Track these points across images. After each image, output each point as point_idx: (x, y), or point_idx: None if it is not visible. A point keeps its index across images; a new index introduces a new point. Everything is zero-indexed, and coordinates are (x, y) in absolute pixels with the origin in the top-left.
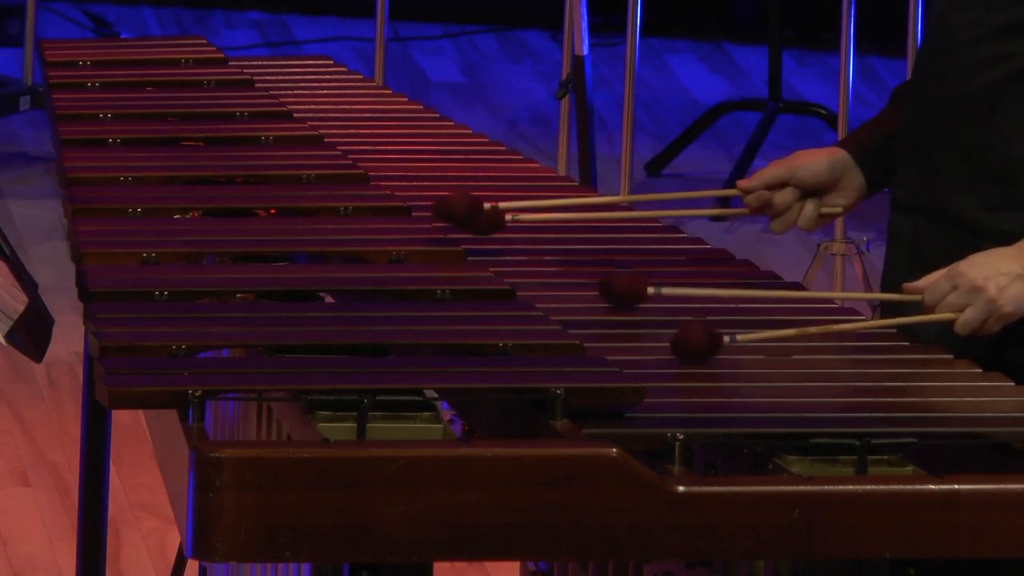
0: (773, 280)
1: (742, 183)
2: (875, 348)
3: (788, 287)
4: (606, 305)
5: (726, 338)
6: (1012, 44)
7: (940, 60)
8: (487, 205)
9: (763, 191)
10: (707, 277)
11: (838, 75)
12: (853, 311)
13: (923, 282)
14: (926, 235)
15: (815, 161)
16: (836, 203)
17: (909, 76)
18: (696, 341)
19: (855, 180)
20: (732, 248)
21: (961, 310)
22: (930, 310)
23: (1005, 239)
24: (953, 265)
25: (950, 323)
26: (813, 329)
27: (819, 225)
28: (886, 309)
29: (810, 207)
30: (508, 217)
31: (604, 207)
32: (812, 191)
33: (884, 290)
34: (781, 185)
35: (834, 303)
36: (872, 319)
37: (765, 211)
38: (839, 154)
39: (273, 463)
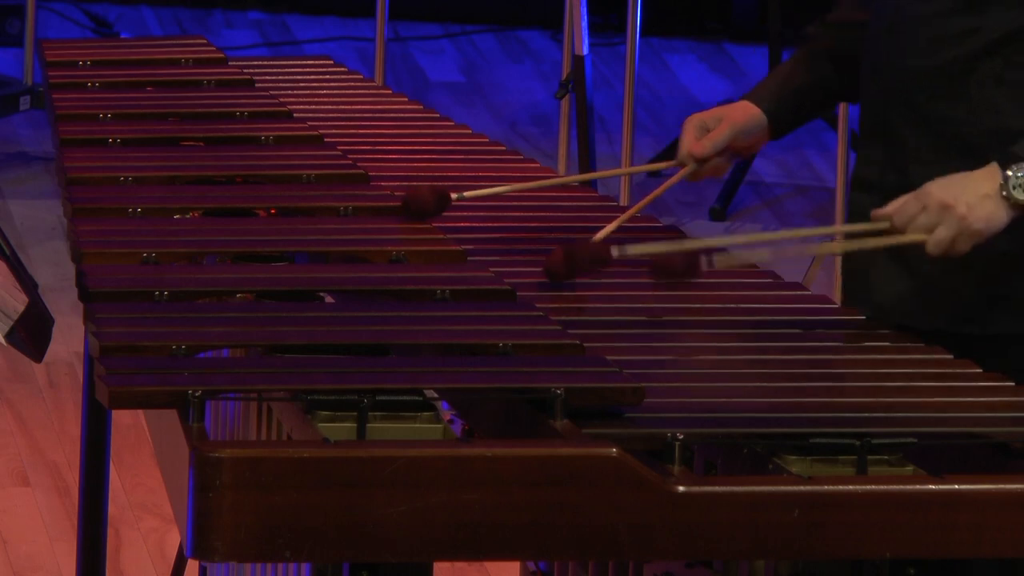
0: (773, 279)
1: (698, 152)
2: (875, 348)
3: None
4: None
5: (704, 259)
6: (979, 18)
7: (903, 34)
8: (453, 195)
9: (717, 159)
10: (709, 277)
11: None
12: (826, 297)
13: (891, 207)
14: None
15: (749, 124)
16: (743, 155)
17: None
18: (675, 265)
19: (762, 136)
20: None
21: (931, 231)
22: (900, 232)
23: None
24: (922, 186)
25: (914, 300)
26: (791, 251)
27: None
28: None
29: (723, 159)
30: (454, 196)
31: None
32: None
33: (845, 269)
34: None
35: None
36: (848, 242)
37: (694, 172)
38: (758, 113)
39: (273, 463)
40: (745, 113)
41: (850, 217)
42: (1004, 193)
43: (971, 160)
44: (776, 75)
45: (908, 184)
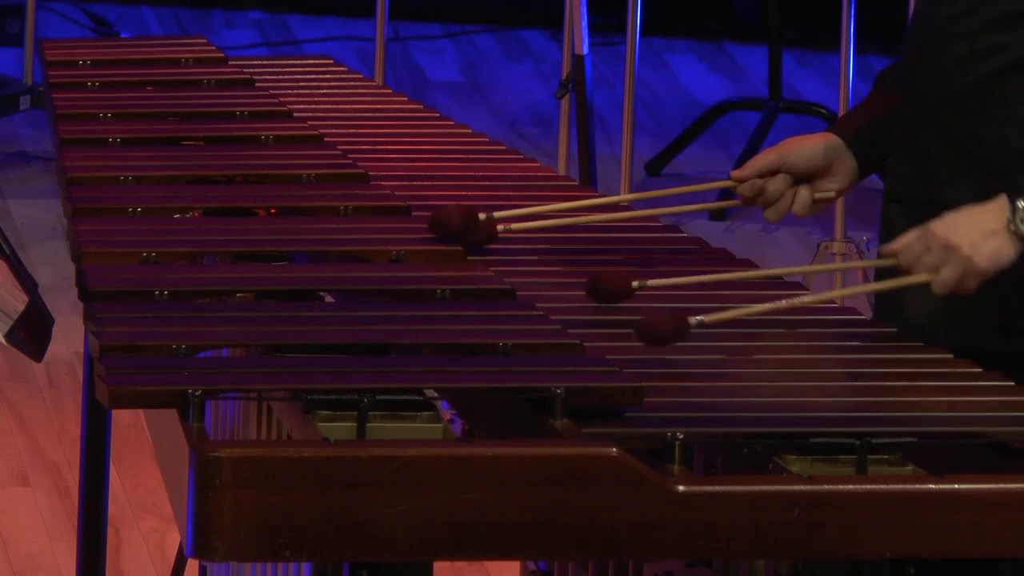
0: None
1: (735, 173)
2: (875, 348)
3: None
4: (596, 304)
5: (693, 320)
6: (1007, 35)
7: (933, 51)
8: (481, 216)
9: (756, 179)
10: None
11: (838, 75)
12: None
13: (897, 244)
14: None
15: (806, 147)
16: (829, 188)
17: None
18: (661, 328)
19: (847, 164)
20: (732, 248)
21: (936, 271)
22: (906, 272)
23: None
24: (925, 224)
25: (946, 316)
26: (784, 303)
27: (814, 211)
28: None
29: (804, 193)
30: (500, 228)
31: (597, 210)
32: (804, 177)
33: (877, 281)
34: (773, 172)
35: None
36: (844, 289)
37: (758, 200)
38: (830, 139)
39: (273, 463)
40: (808, 139)
41: (882, 231)
42: (1012, 227)
43: (998, 179)
44: (858, 107)
45: (937, 200)
